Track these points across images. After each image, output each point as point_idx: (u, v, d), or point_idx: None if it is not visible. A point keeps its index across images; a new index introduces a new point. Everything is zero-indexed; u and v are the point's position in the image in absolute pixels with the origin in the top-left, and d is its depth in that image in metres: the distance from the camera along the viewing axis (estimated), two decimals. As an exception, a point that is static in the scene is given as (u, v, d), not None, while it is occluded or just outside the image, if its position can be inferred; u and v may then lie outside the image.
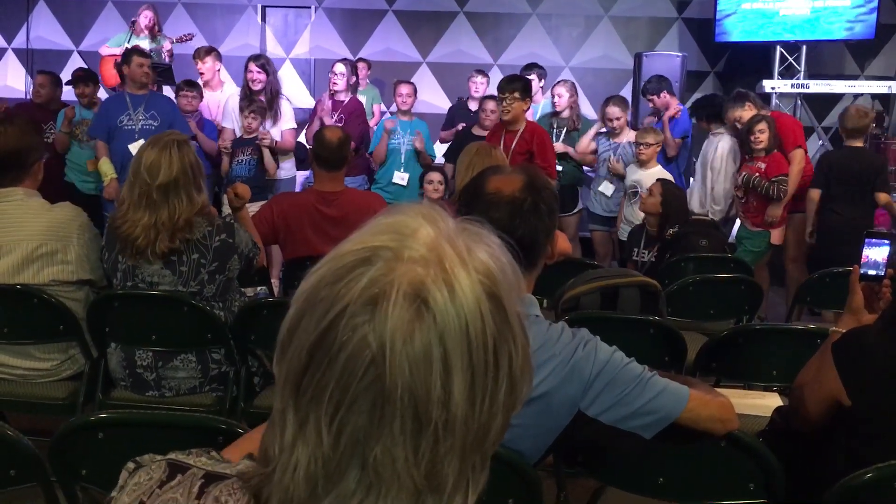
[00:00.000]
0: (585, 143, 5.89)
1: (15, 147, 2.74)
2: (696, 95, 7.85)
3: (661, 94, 6.17)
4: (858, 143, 5.16)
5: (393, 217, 0.70)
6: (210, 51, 6.34)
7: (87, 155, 5.73)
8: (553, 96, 6.08)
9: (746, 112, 5.37)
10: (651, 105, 6.36)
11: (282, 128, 5.70)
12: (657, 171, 5.31)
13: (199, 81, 6.21)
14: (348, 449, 0.65)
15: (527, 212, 1.62)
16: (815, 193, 5.15)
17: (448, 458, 0.65)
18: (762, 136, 5.09)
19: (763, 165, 5.15)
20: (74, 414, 2.70)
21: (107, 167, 5.31)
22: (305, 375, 0.66)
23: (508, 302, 0.67)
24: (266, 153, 5.50)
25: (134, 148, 5.23)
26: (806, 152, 5.41)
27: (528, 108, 4.97)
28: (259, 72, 5.62)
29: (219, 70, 6.37)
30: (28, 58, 8.76)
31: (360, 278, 0.65)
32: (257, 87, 5.60)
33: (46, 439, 1.68)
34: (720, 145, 5.62)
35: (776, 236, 5.25)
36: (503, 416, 0.68)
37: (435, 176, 5.08)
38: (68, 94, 6.33)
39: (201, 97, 6.11)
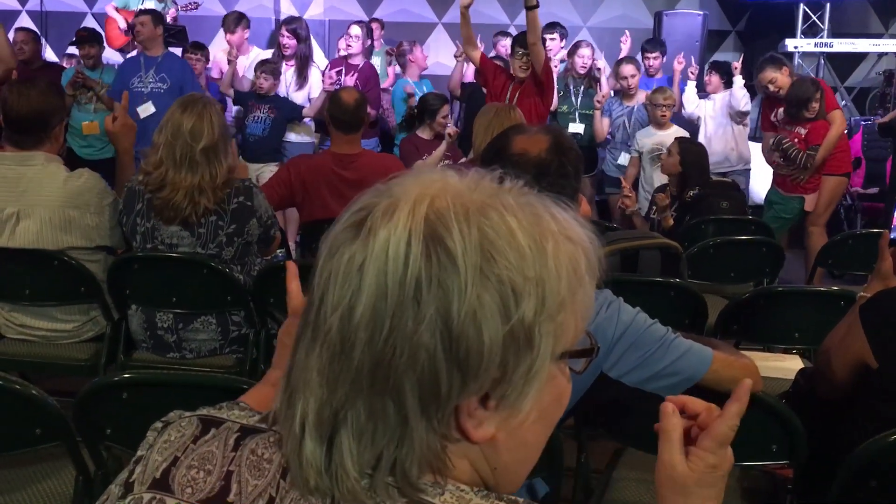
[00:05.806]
0: (607, 123, 5.86)
1: (37, 109, 2.72)
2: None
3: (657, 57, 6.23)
4: None
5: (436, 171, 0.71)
6: (239, 20, 6.26)
7: (83, 118, 5.66)
8: (578, 58, 5.99)
9: (782, 76, 5.24)
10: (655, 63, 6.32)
11: (311, 96, 5.70)
12: (675, 131, 5.24)
13: (231, 50, 6.20)
14: (298, 362, 0.67)
15: (554, 173, 1.59)
16: None
17: (342, 379, 0.64)
18: (816, 105, 4.86)
19: (804, 131, 4.93)
20: (97, 375, 2.72)
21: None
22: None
23: (469, 255, 0.62)
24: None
25: (142, 111, 5.19)
26: None
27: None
28: (289, 37, 5.59)
29: (247, 37, 6.35)
30: (42, 20, 8.71)
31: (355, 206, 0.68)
32: (287, 52, 5.58)
33: (69, 399, 1.70)
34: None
35: (809, 202, 5.02)
36: (429, 365, 0.62)
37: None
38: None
39: (207, 60, 6.12)
